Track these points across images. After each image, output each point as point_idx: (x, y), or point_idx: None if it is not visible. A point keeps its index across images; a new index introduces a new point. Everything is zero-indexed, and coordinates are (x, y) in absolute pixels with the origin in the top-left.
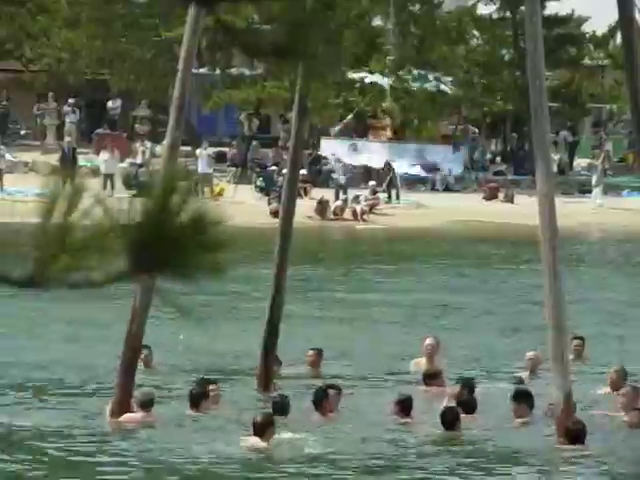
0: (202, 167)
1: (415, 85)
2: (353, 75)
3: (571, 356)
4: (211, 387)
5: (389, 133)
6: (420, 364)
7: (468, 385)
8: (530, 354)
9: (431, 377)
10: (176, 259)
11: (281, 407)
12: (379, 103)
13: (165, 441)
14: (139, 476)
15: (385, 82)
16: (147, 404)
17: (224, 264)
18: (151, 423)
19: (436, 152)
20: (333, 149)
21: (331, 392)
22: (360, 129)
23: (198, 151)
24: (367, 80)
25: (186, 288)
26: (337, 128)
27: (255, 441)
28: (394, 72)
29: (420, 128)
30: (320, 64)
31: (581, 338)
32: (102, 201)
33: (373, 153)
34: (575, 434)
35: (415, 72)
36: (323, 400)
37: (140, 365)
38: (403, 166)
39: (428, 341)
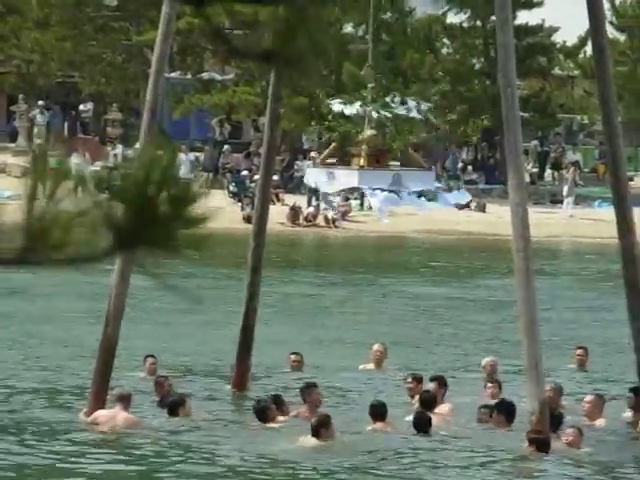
0: (184, 172)
1: (395, 111)
2: (332, 105)
3: (574, 365)
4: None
5: (362, 161)
6: (367, 369)
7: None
8: (488, 360)
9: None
10: (158, 234)
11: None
12: (358, 132)
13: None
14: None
15: (364, 111)
16: (124, 400)
17: (204, 238)
18: (127, 421)
19: (416, 178)
20: (315, 178)
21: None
22: (342, 156)
23: (180, 156)
24: (347, 112)
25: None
26: (319, 159)
27: (312, 441)
28: (375, 101)
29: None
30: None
31: (584, 348)
32: (84, 179)
33: (346, 181)
34: (540, 443)
35: (396, 99)
36: (267, 412)
37: (142, 373)
38: (378, 195)
39: (376, 347)
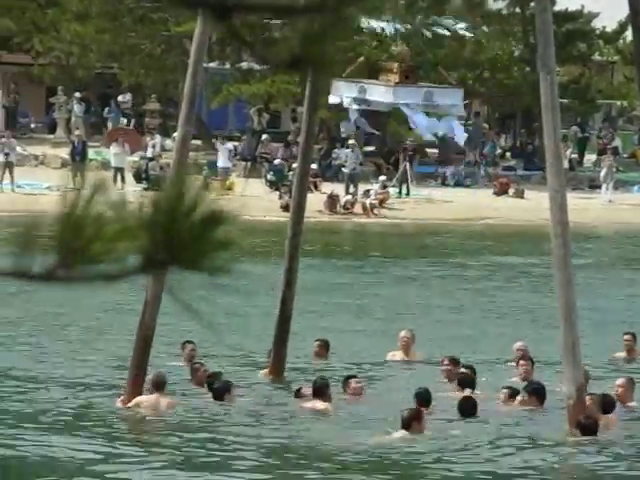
0: (223, 161)
1: (428, 30)
2: (362, 22)
3: (623, 353)
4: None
5: (397, 77)
6: (396, 356)
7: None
8: (519, 345)
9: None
10: (187, 256)
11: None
12: (389, 48)
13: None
14: None
15: (395, 28)
16: (160, 385)
17: (232, 262)
18: (169, 405)
19: (446, 95)
20: (342, 92)
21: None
22: (370, 72)
23: (218, 145)
24: (377, 27)
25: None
26: (345, 73)
27: (402, 434)
28: (406, 17)
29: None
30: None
31: (632, 334)
32: (122, 197)
33: (380, 96)
34: (587, 427)
35: (430, 19)
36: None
37: (182, 361)
38: (411, 111)
39: (403, 333)
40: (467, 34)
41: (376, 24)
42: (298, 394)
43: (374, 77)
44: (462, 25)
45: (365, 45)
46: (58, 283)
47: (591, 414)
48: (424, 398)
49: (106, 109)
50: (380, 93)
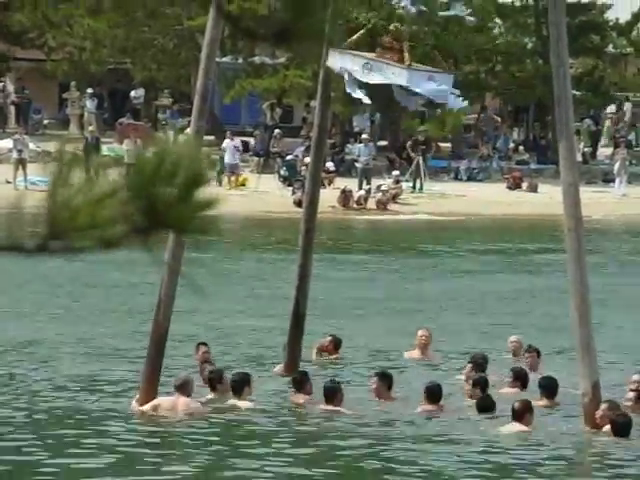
0: (228, 157)
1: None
2: None
3: None
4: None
5: (407, 58)
6: (413, 355)
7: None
8: (513, 338)
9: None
10: (171, 219)
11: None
12: (391, 22)
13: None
14: None
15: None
16: (184, 387)
17: (215, 222)
18: (192, 408)
19: (442, 80)
20: (343, 64)
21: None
22: (370, 47)
23: (225, 142)
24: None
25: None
26: (346, 43)
27: (516, 426)
28: None
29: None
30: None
31: None
32: (103, 166)
33: (390, 76)
34: (621, 426)
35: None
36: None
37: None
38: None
39: (421, 332)
40: (471, 18)
41: None
42: (300, 382)
43: (371, 52)
44: (469, 14)
45: (370, 14)
46: (50, 255)
47: (624, 413)
48: (434, 393)
49: (167, 112)
50: (391, 74)
